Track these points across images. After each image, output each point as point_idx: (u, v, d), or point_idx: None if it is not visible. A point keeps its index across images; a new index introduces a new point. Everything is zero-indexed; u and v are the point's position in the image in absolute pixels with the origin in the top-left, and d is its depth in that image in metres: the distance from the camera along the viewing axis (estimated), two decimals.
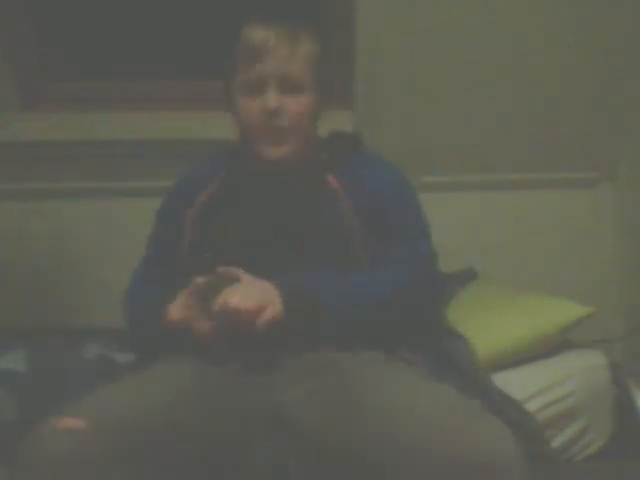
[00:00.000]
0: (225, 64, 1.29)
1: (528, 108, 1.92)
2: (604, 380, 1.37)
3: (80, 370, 1.35)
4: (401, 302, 1.17)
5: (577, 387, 1.34)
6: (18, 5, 1.86)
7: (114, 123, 1.92)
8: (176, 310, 1.10)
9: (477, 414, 0.88)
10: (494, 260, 1.90)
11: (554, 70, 1.86)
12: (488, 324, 1.42)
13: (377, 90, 1.87)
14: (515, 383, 1.31)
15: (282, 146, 1.24)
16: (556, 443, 1.30)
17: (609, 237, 2.05)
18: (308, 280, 1.10)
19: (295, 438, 0.99)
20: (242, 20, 1.28)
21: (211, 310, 1.04)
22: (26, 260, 1.97)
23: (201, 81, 1.98)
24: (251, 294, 1.03)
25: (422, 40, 1.80)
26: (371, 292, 1.14)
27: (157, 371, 1.07)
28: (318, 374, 1.05)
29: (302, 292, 1.08)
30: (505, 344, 1.37)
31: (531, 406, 1.28)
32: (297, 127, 1.24)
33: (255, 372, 1.08)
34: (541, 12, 1.78)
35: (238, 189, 1.28)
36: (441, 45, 1.81)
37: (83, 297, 1.97)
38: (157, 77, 2.00)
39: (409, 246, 1.23)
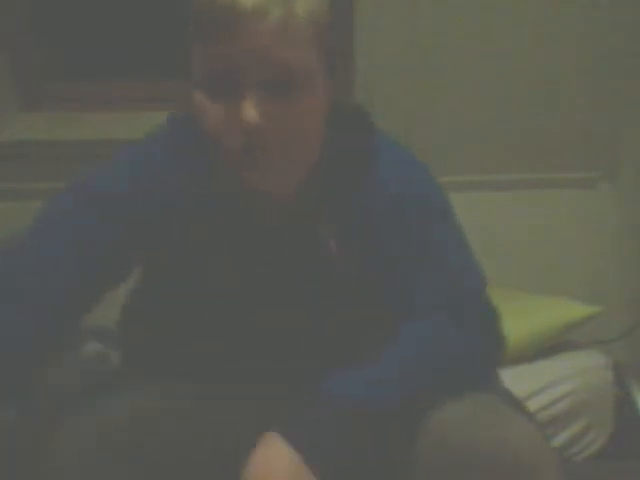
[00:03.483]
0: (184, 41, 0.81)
1: (528, 108, 1.92)
2: (605, 380, 1.37)
3: (79, 368, 1.35)
4: (449, 371, 0.84)
5: (578, 386, 1.34)
6: (18, 5, 1.86)
7: (114, 123, 1.92)
8: None
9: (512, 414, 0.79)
10: (494, 260, 1.89)
11: (554, 70, 1.86)
12: None
13: (377, 90, 1.87)
14: (515, 381, 1.30)
15: (270, 177, 0.80)
16: (556, 442, 1.30)
17: (610, 237, 2.05)
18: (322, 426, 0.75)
19: None
20: None
21: None
22: None
23: None
24: None
25: (422, 40, 1.80)
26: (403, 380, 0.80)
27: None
28: None
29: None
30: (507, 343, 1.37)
31: (532, 404, 1.27)
32: (294, 147, 0.79)
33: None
34: (541, 12, 1.78)
35: (218, 229, 0.87)
36: (441, 45, 1.81)
37: None
38: (157, 77, 1.99)
39: (443, 286, 0.88)
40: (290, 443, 0.73)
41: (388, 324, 0.86)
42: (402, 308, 0.87)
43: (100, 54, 1.98)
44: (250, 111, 0.74)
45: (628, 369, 1.46)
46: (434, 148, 1.98)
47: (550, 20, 1.79)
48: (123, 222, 0.84)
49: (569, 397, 1.32)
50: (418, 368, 0.81)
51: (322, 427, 0.74)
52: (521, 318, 1.42)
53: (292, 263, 0.88)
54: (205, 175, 0.86)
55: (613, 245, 2.04)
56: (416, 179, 0.95)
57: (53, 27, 1.95)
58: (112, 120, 1.92)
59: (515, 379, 1.32)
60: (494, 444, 0.74)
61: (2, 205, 1.96)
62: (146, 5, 1.96)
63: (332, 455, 0.74)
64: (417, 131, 1.95)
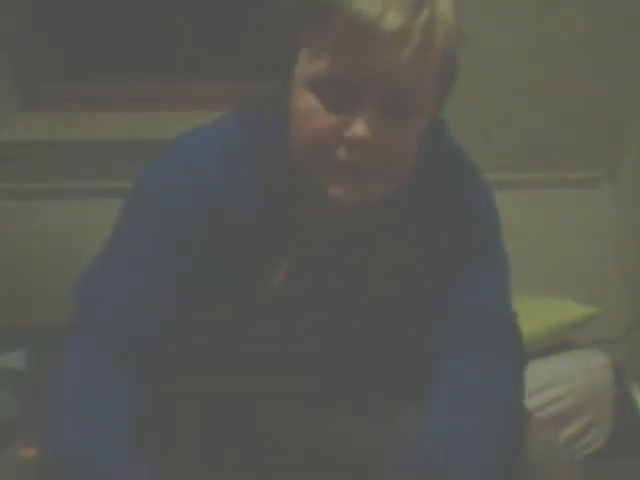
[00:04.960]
0: (287, 32, 0.76)
1: (529, 108, 1.92)
2: (605, 379, 1.37)
3: None
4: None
5: (578, 386, 1.34)
6: (18, 5, 1.86)
7: (114, 123, 1.92)
8: None
9: None
10: None
11: (554, 70, 1.86)
12: None
13: None
14: None
15: (361, 190, 0.74)
16: None
17: (610, 237, 2.05)
18: None
19: None
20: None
21: None
22: (26, 260, 1.97)
23: (203, 81, 1.98)
24: None
25: None
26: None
27: None
28: None
29: None
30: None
31: (531, 403, 1.27)
32: (393, 169, 0.75)
33: None
34: (542, 11, 1.78)
35: (282, 232, 0.82)
36: None
37: None
38: (157, 77, 2.00)
39: (484, 315, 0.89)
40: None
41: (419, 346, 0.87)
42: (442, 332, 0.87)
43: (100, 54, 1.98)
44: (362, 127, 0.69)
45: (628, 369, 1.47)
46: None
47: (550, 20, 1.79)
48: (192, 237, 0.83)
49: (569, 396, 1.32)
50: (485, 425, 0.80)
51: None
52: (521, 319, 1.42)
53: (346, 271, 0.85)
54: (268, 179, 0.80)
55: (613, 245, 2.04)
56: (490, 200, 0.95)
57: (53, 27, 1.95)
58: (112, 120, 1.92)
59: None
60: None
61: (2, 205, 1.96)
62: (146, 5, 1.96)
63: None
64: None
